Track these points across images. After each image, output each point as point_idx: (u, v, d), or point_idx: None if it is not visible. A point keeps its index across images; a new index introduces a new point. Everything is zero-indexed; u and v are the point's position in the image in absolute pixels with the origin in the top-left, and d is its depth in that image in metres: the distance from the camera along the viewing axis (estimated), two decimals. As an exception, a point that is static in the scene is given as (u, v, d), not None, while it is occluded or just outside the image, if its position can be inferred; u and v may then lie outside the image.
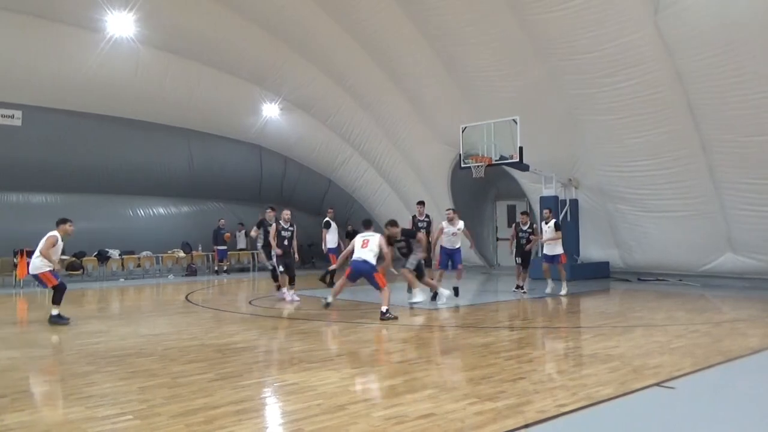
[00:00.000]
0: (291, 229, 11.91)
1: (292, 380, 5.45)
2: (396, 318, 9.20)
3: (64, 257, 17.04)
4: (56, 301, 9.25)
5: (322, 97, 19.61)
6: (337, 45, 17.11)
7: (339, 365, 6.18)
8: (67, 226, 9.48)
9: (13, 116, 17.24)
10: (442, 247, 11.75)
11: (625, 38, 12.01)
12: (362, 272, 9.78)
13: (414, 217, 12.81)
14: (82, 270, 17.56)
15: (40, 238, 9.41)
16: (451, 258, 11.68)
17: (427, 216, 12.77)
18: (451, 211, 12.02)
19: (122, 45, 16.26)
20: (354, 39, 16.57)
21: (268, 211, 12.72)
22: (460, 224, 11.72)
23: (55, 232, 9.31)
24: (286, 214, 11.97)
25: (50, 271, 9.25)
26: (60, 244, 9.40)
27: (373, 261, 9.81)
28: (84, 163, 18.76)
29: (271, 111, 20.57)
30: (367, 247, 9.84)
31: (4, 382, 5.78)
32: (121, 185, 19.66)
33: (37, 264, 9.20)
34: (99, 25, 15.60)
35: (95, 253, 18.06)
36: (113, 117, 19.06)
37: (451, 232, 11.60)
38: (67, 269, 16.99)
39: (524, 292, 12.27)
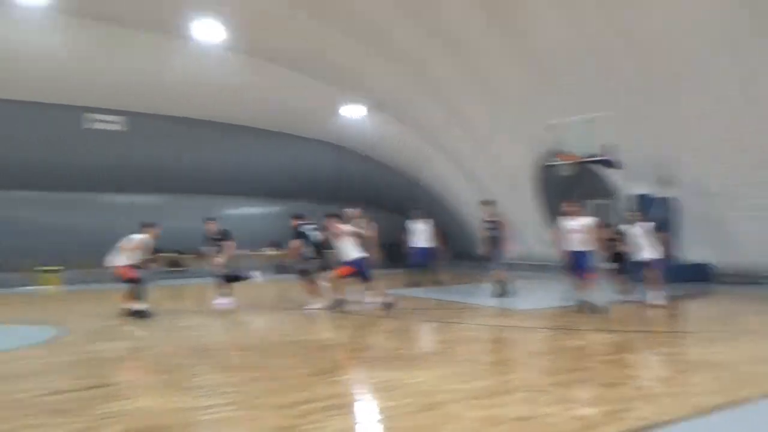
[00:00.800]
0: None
1: (384, 378, 5.50)
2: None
3: (165, 254, 18.02)
4: (138, 296, 9.75)
5: (404, 97, 19.69)
6: (419, 45, 17.09)
7: (430, 364, 6.17)
8: (157, 230, 10.18)
9: (116, 122, 18.40)
10: (568, 251, 9.88)
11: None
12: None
13: (486, 221, 12.34)
14: (181, 267, 18.43)
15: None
16: (577, 262, 9.73)
17: (496, 216, 12.13)
18: (567, 203, 10.00)
19: (211, 51, 17.13)
20: (436, 39, 16.53)
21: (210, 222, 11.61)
22: (586, 220, 9.73)
23: (144, 236, 9.93)
24: (300, 219, 11.12)
25: (131, 266, 9.77)
26: (149, 245, 10.00)
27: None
28: (179, 165, 19.79)
29: (353, 112, 20.93)
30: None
31: (112, 372, 6.18)
32: (213, 186, 20.58)
33: (121, 259, 9.76)
34: (190, 32, 16.50)
35: (192, 251, 18.89)
36: (206, 120, 19.99)
37: (571, 229, 9.70)
38: (168, 266, 17.90)
39: (629, 300, 11.07)
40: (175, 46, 17.12)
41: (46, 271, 16.89)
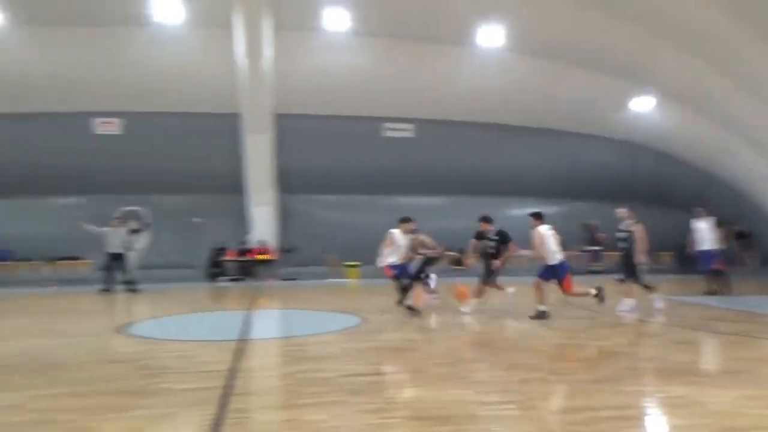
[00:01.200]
0: (495, 239, 10.79)
1: (677, 393, 5.06)
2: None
3: (449, 253, 18.92)
4: (403, 292, 10.24)
5: (700, 86, 17.79)
6: (718, 29, 15.24)
7: (729, 383, 5.48)
8: (408, 225, 10.53)
9: (407, 129, 20.01)
10: None
11: None
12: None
13: None
14: (463, 266, 19.18)
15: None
16: None
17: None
18: None
19: (493, 55, 17.57)
20: (736, 18, 14.54)
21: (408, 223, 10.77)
22: None
23: (394, 231, 10.35)
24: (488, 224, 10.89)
25: (390, 266, 10.25)
26: (398, 240, 10.30)
27: None
28: (461, 167, 20.70)
29: (641, 105, 19.59)
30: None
31: (400, 360, 6.75)
32: (493, 187, 21.05)
33: (384, 259, 10.35)
34: (472, 39, 17.14)
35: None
36: (487, 123, 20.57)
37: None
38: (451, 265, 18.80)
39: None
40: (458, 54, 18.04)
41: (348, 266, 19.13)
